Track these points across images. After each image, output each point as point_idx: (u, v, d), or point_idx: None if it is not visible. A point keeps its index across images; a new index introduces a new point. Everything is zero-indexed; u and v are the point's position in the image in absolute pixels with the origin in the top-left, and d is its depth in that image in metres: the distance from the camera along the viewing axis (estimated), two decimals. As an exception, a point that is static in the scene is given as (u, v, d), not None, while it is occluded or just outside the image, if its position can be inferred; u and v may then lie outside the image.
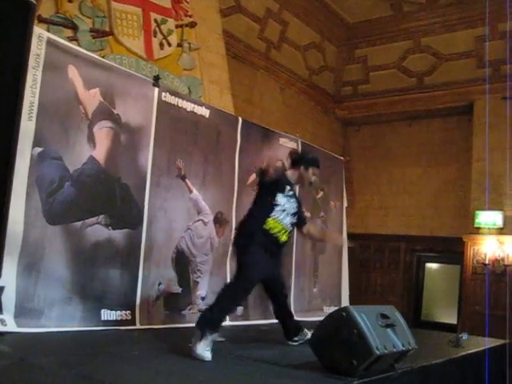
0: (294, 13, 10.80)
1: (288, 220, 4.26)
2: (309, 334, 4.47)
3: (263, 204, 4.24)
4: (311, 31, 11.44)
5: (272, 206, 4.16)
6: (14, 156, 1.37)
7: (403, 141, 12.46)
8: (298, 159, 4.50)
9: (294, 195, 4.36)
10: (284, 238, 4.25)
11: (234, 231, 6.37)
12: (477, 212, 10.67)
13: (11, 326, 4.07)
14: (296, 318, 6.85)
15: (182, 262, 5.72)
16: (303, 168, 4.40)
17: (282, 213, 4.20)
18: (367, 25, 11.71)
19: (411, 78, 12.00)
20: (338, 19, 11.62)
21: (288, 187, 4.29)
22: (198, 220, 6.00)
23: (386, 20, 11.44)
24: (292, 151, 4.89)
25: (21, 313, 4.18)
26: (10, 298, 4.12)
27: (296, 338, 4.60)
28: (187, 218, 5.87)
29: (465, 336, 5.35)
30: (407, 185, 12.31)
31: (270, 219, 4.14)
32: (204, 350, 3.66)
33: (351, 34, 12.05)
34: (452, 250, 11.33)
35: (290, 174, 4.45)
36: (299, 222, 4.52)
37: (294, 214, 4.31)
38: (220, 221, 6.26)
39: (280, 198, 4.19)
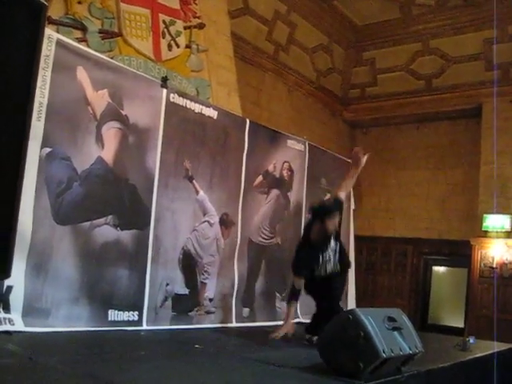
0: (302, 15, 10.81)
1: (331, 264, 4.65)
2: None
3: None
4: (319, 33, 11.45)
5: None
6: (24, 157, 1.38)
7: (411, 143, 12.43)
8: (313, 215, 4.69)
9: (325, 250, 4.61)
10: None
11: (239, 233, 6.41)
12: (485, 215, 10.64)
13: (19, 326, 4.08)
14: (302, 320, 6.90)
15: (189, 263, 5.72)
16: (319, 222, 4.51)
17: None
18: (375, 27, 11.71)
19: (419, 80, 11.98)
20: (347, 21, 11.62)
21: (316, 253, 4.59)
22: (204, 221, 5.99)
23: (395, 22, 11.43)
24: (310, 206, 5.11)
25: (28, 312, 4.20)
26: (18, 297, 4.14)
27: (307, 337, 4.66)
28: (193, 219, 5.87)
29: (472, 340, 5.33)
30: (415, 187, 12.28)
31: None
32: None
33: (359, 36, 12.04)
34: (459, 253, 11.30)
35: (314, 231, 4.62)
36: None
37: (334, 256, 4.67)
38: (226, 222, 6.26)
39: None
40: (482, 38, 10.82)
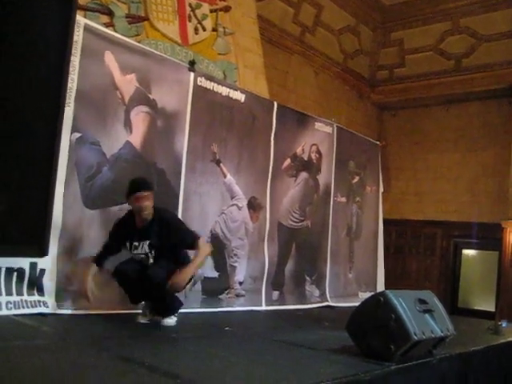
0: (328, -4, 10.64)
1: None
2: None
3: None
4: (346, 14, 11.27)
5: None
6: (58, 142, 1.39)
7: (440, 125, 12.21)
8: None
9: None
10: None
11: (268, 216, 6.40)
12: (516, 198, 10.43)
13: (52, 308, 4.18)
14: (331, 303, 6.92)
15: (217, 247, 5.73)
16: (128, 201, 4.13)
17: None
18: (404, 7, 11.47)
19: (449, 60, 11.72)
20: (374, 2, 11.41)
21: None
22: (233, 204, 6.01)
23: (423, 1, 11.17)
24: None
25: (61, 295, 4.28)
26: (50, 280, 4.22)
27: None
28: (221, 202, 5.89)
29: (504, 323, 5.26)
30: (444, 170, 12.08)
31: None
32: None
33: (387, 16, 11.82)
34: (490, 236, 11.11)
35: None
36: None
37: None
38: (254, 206, 6.27)
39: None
40: (513, 15, 10.52)
